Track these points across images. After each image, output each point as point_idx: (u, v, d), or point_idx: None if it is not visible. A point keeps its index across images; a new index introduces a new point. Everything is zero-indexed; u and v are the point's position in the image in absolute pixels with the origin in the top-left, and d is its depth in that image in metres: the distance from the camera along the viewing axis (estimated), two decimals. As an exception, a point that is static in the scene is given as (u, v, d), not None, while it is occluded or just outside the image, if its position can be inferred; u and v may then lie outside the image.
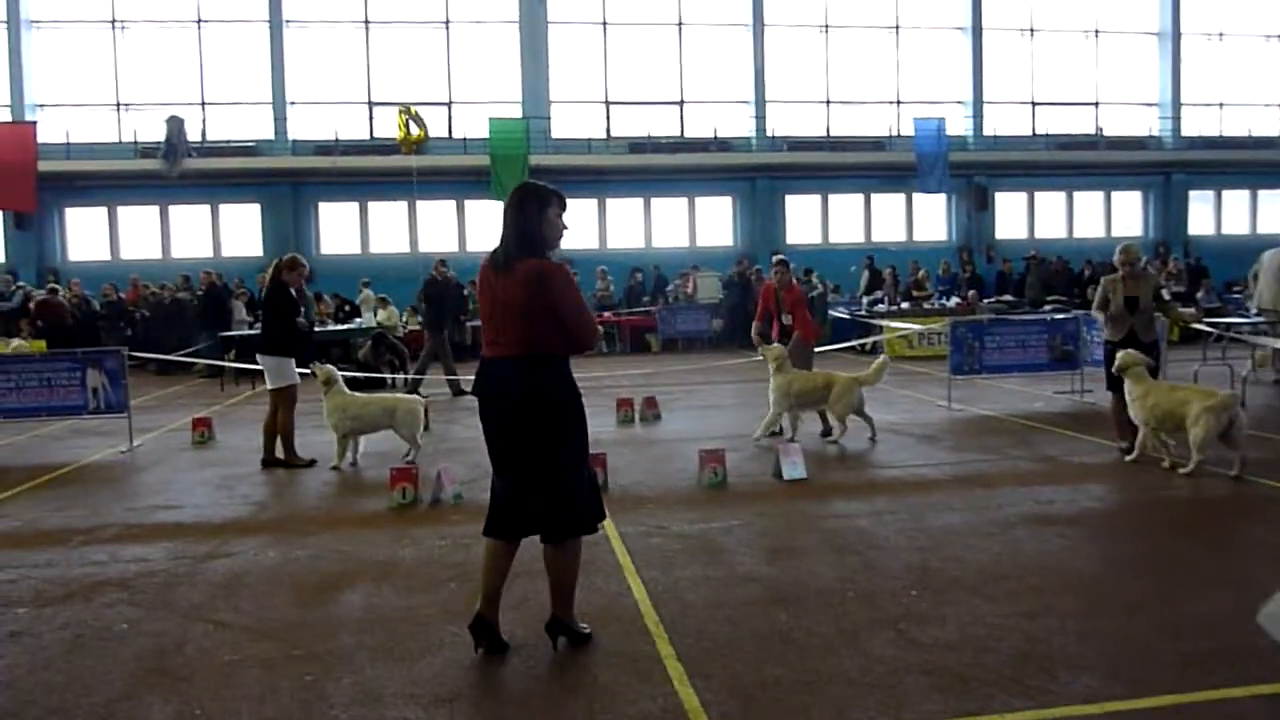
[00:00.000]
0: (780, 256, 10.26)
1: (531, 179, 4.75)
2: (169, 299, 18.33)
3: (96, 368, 9.46)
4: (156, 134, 21.25)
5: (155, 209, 22.54)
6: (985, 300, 19.84)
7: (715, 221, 24.37)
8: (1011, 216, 25.72)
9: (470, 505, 6.77)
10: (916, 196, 24.63)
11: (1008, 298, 20.20)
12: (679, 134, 23.83)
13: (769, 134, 23.75)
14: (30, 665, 4.15)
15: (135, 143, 21.75)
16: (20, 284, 19.19)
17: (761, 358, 9.29)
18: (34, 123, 20.90)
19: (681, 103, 23.98)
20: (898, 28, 24.72)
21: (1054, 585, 4.85)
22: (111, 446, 9.62)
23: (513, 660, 4.06)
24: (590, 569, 5.21)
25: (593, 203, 23.49)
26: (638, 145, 23.23)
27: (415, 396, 8.94)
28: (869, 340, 16.68)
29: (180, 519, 6.80)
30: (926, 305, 19.18)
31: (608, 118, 23.74)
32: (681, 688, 3.71)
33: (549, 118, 22.92)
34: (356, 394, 8.75)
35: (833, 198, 24.79)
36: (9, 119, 21.04)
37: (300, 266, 8.61)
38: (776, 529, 6.03)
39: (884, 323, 16.80)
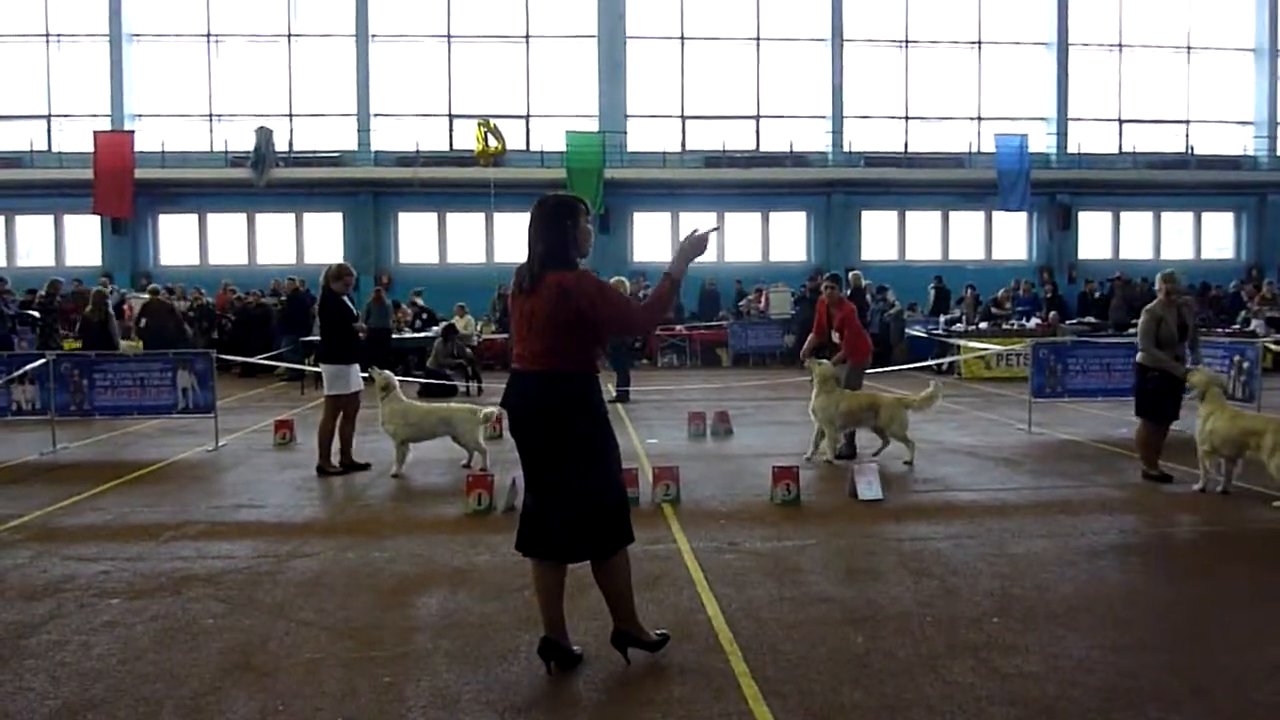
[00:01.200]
0: (831, 273, 10.18)
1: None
2: (254, 304, 18.91)
3: (187, 369, 9.81)
4: (246, 144, 21.98)
5: (243, 217, 23.30)
6: (1067, 322, 19.33)
7: (789, 236, 24.25)
8: (1095, 236, 25.04)
9: (543, 514, 6.81)
10: (996, 214, 24.14)
11: (1090, 319, 19.64)
12: (754, 148, 23.78)
13: (846, 149, 23.55)
14: (122, 655, 4.29)
15: (226, 152, 22.52)
16: (114, 287, 19.97)
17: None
18: (132, 132, 21.80)
19: (758, 117, 23.94)
20: (980, 43, 24.32)
21: (1142, 617, 4.69)
22: (199, 445, 9.94)
23: (587, 671, 4.06)
24: (663, 583, 5.22)
25: (666, 216, 23.57)
26: (713, 159, 23.25)
27: (474, 406, 9.03)
28: (945, 360, 16.38)
29: (263, 518, 6.98)
30: (1005, 326, 18.75)
31: (683, 131, 23.81)
32: (756, 706, 3.67)
33: (625, 131, 23.09)
34: (415, 401, 8.90)
35: (910, 214, 24.46)
36: (109, 128, 21.95)
37: (347, 275, 8.78)
38: (852, 550, 5.94)
39: (961, 342, 16.48)
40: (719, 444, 10.11)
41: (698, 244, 4.16)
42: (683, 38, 23.72)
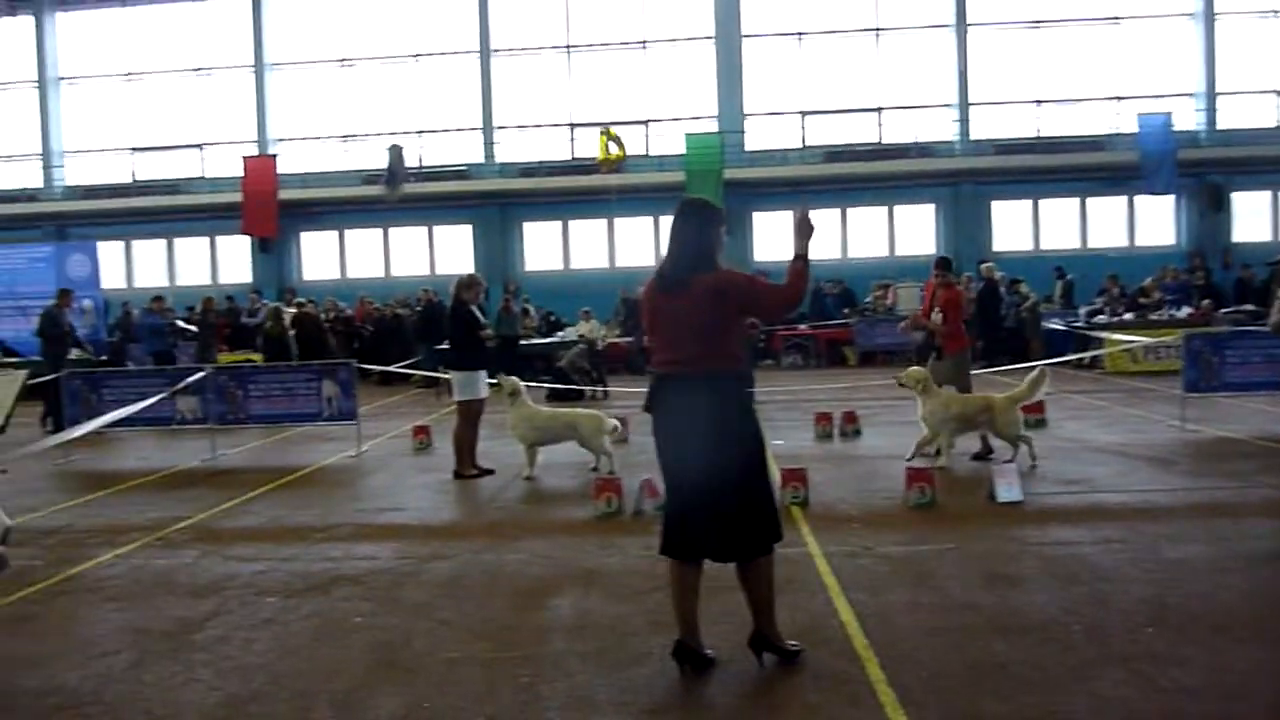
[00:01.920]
0: (940, 256, 9.77)
1: (696, 196, 4.78)
2: (390, 315, 19.70)
3: (331, 379, 10.32)
4: (379, 162, 22.94)
5: (378, 231, 24.33)
6: (1222, 310, 18.11)
7: (916, 230, 23.60)
8: (1252, 218, 23.36)
9: (672, 517, 6.85)
10: (1139, 199, 22.86)
11: (1249, 307, 18.35)
12: (877, 140, 23.27)
13: (973, 137, 22.77)
14: (280, 650, 4.55)
15: (361, 171, 23.57)
16: (264, 302, 21.16)
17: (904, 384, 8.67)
18: (275, 156, 23.09)
19: (880, 109, 23.42)
20: (1118, 19, 23.10)
21: (1317, 629, 4.36)
22: (342, 451, 10.42)
23: (720, 675, 4.06)
24: (795, 588, 5.16)
25: (788, 215, 23.26)
26: (834, 154, 22.88)
27: (597, 412, 9.14)
28: (1087, 354, 15.61)
29: (404, 520, 7.27)
30: (1153, 316, 17.74)
31: (803, 128, 23.53)
32: (894, 715, 3.59)
33: (744, 131, 22.98)
34: (541, 406, 9.07)
35: (1044, 202, 23.43)
36: (255, 153, 23.29)
37: (477, 285, 9.06)
38: (992, 555, 5.73)
39: (1105, 335, 15.68)
40: (847, 445, 9.94)
41: (804, 222, 4.19)
42: (800, 34, 23.44)
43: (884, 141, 23.22)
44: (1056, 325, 18.18)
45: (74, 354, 14.02)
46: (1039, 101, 23.19)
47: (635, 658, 4.27)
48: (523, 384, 8.94)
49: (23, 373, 5.53)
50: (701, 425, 3.89)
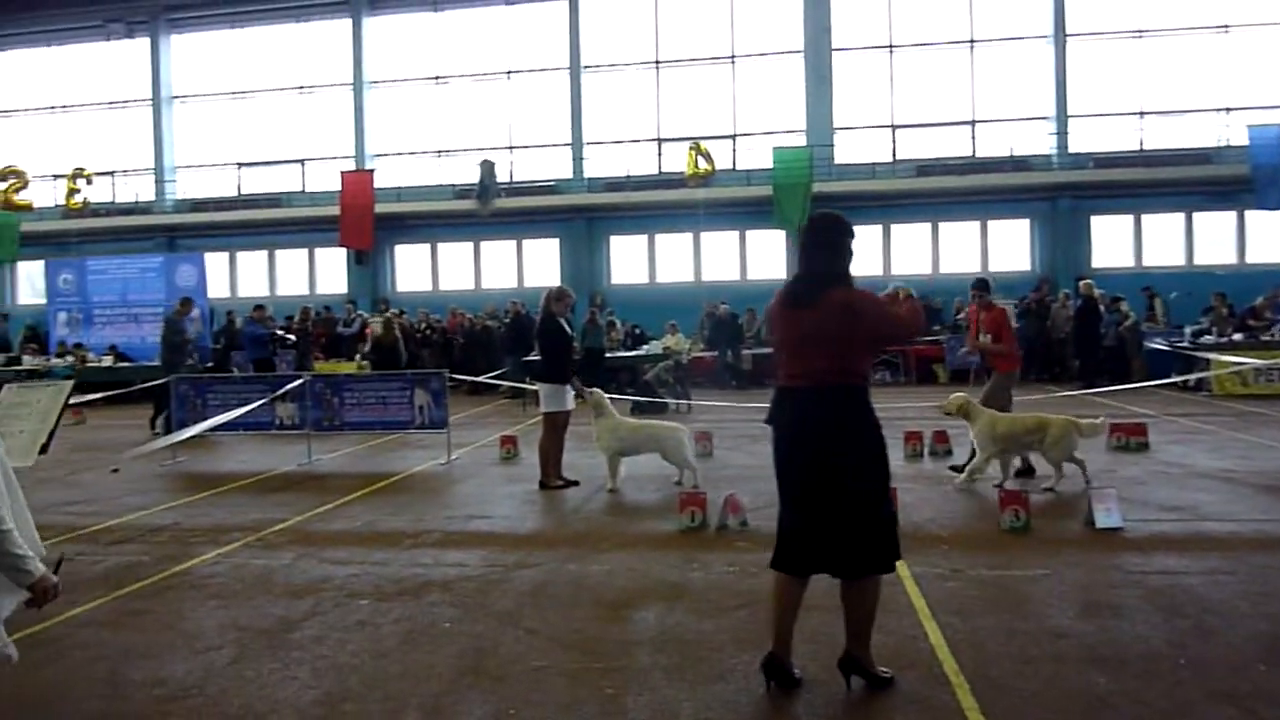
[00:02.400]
0: (979, 278, 9.57)
1: (823, 208, 4.72)
2: (480, 326, 20.08)
3: (423, 388, 10.57)
4: (471, 177, 23.44)
5: (469, 245, 24.84)
6: (1341, 332, 17.16)
7: (1010, 245, 22.99)
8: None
9: (756, 533, 6.82)
10: (1250, 214, 21.83)
11: (1371, 329, 17.36)
12: (970, 154, 22.78)
13: (1072, 150, 22.11)
14: (372, 653, 4.67)
15: (453, 185, 24.12)
16: (359, 313, 21.82)
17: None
18: (372, 171, 23.81)
19: (974, 122, 22.94)
20: (1227, 27, 22.16)
21: None
22: (433, 459, 10.65)
23: (805, 695, 4.02)
24: (883, 609, 5.03)
25: (878, 229, 22.99)
26: (926, 168, 22.49)
27: (679, 425, 9.14)
28: (1193, 376, 14.97)
29: (491, 529, 7.39)
30: (1264, 337, 16.91)
31: (894, 141, 23.20)
32: (987, 744, 3.50)
33: (833, 144, 22.76)
34: (625, 419, 9.13)
35: (1146, 218, 22.56)
36: (353, 168, 24.05)
37: (566, 297, 9.16)
38: (1090, 582, 5.53)
39: (1212, 356, 15.02)
40: (937, 465, 9.72)
41: (903, 301, 4.54)
42: (891, 46, 23.15)
43: (978, 155, 22.72)
44: (1159, 345, 17.49)
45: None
46: (1142, 113, 22.39)
47: (719, 674, 4.25)
48: (607, 397, 9.01)
49: (69, 384, 5.70)
50: (828, 438, 3.91)
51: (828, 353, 3.93)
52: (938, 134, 22.97)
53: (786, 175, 21.45)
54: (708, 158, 21.74)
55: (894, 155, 23.08)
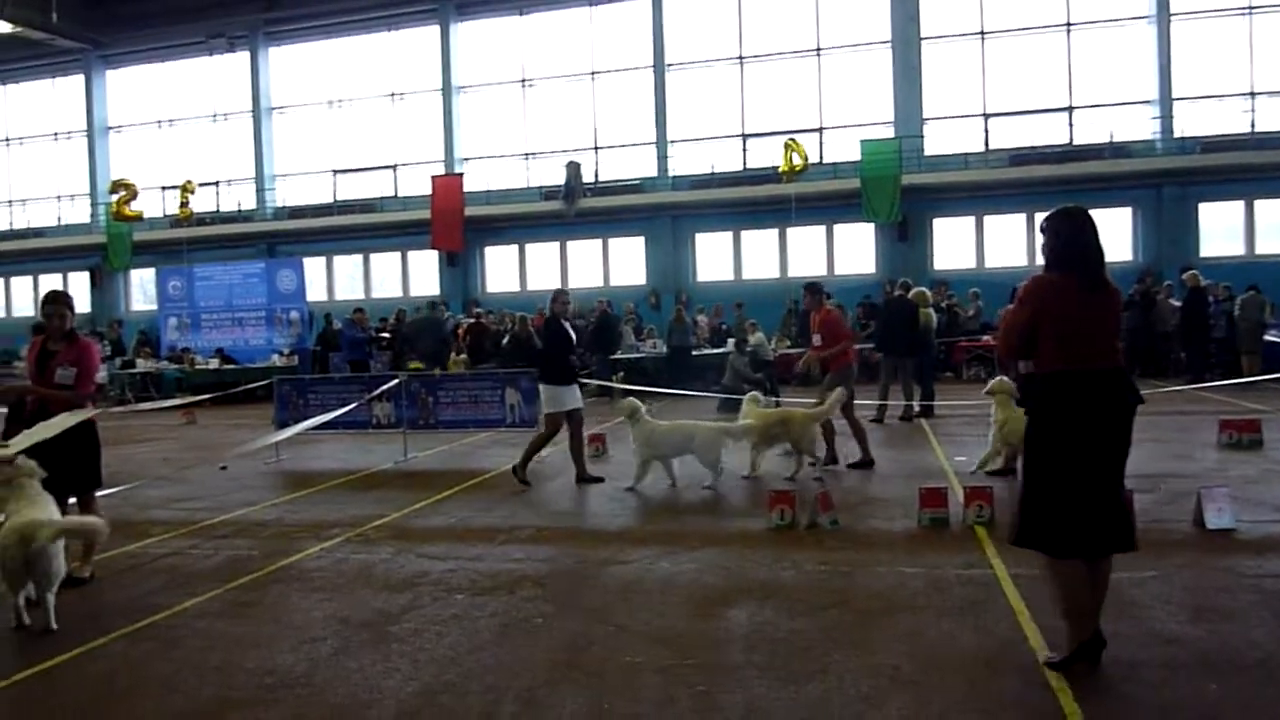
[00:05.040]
0: (809, 282, 10.17)
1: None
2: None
3: (513, 387, 10.75)
4: (557, 178, 23.72)
5: (556, 245, 25.14)
6: None
7: (1112, 235, 22.13)
8: None
9: (847, 532, 6.75)
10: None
11: None
12: (1068, 141, 22.04)
13: (1177, 135, 21.17)
14: (469, 646, 4.78)
15: (540, 187, 24.43)
16: (450, 313, 22.30)
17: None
18: (462, 175, 24.28)
19: (1071, 108, 22.17)
20: (1349, -1, 20.93)
21: None
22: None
23: (901, 695, 3.96)
24: (980, 610, 4.97)
25: (969, 221, 22.46)
26: (1020, 157, 21.84)
27: (718, 425, 9.09)
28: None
29: (582, 525, 7.48)
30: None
31: (986, 130, 22.59)
32: (1092, 750, 3.40)
33: (923, 135, 22.30)
34: (660, 421, 9.10)
35: (1260, 204, 21.46)
36: (443, 173, 24.58)
37: (562, 298, 9.38)
38: (1200, 585, 5.31)
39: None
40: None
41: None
42: (982, 33, 22.54)
43: (1075, 142, 21.96)
44: (1275, 338, 16.61)
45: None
46: (1252, 93, 21.30)
47: (812, 673, 4.22)
48: (640, 403, 9.01)
49: (87, 410, 6.22)
50: (1129, 416, 4.10)
51: (1113, 336, 4.18)
52: (1032, 122, 22.28)
53: (875, 168, 21.10)
54: (801, 152, 21.46)
55: (986, 145, 22.48)
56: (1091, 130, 21.89)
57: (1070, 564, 4.07)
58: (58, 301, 6.34)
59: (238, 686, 4.38)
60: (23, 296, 29.68)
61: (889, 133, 22.27)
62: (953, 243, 22.65)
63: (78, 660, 4.82)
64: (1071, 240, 4.20)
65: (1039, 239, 4.42)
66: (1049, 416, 4.11)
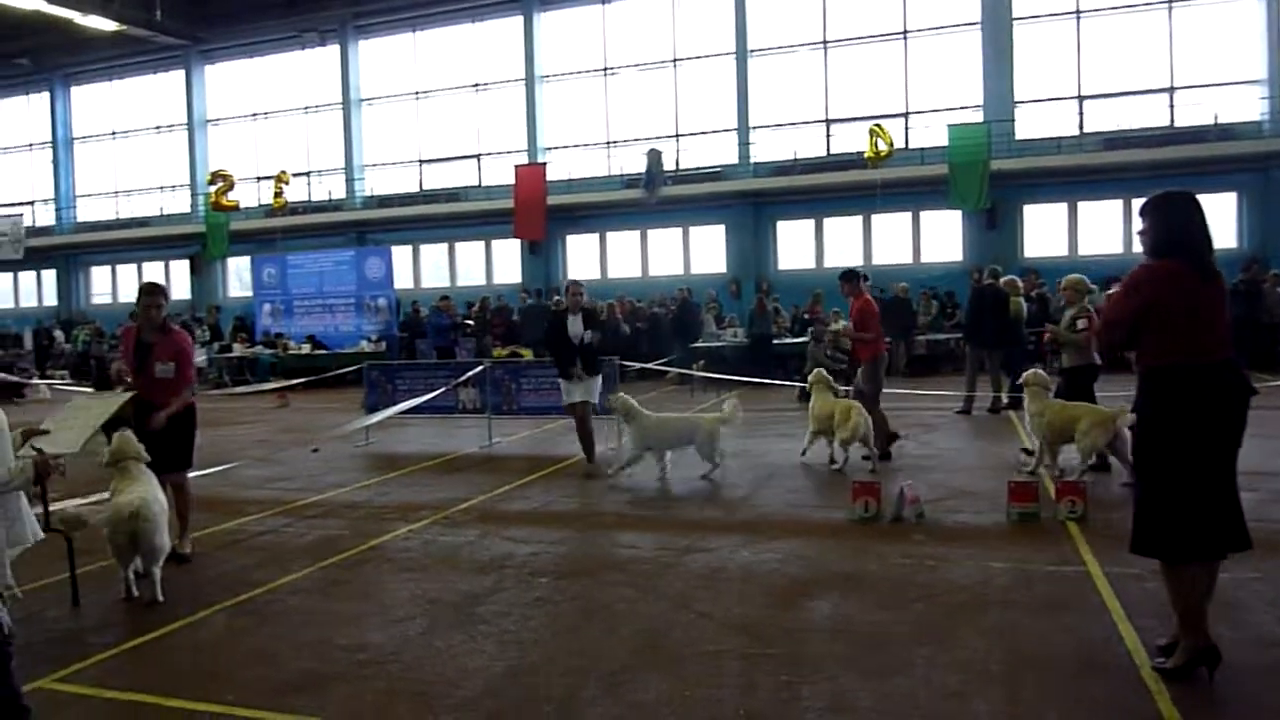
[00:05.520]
0: (846, 269, 10.05)
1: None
2: (647, 313, 20.36)
3: (593, 374, 10.81)
4: (638, 166, 23.72)
5: (636, 233, 25.20)
6: None
7: (1215, 220, 21.08)
8: None
9: (933, 526, 6.63)
10: None
11: None
12: (1167, 124, 21.13)
13: (1287, 116, 20.12)
14: (553, 630, 4.85)
15: (621, 175, 24.50)
16: (532, 302, 22.55)
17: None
18: (545, 164, 24.49)
19: (1171, 89, 21.24)
20: None
21: None
22: (603, 444, 10.82)
23: (988, 692, 3.88)
24: (1071, 609, 4.85)
25: (1061, 207, 21.73)
26: (1115, 141, 21.02)
27: (712, 416, 8.98)
28: None
29: (660, 513, 7.52)
30: None
31: (1080, 113, 21.81)
32: (1192, 756, 3.29)
33: (1013, 119, 21.65)
34: (655, 414, 9.12)
35: (1383, 187, 20.26)
36: (526, 161, 24.84)
37: (570, 288, 9.55)
38: (1310, 587, 5.08)
39: None
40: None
41: None
42: (1078, 13, 21.73)
43: (1176, 125, 21.04)
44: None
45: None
46: (1375, 71, 20.10)
47: (897, 667, 4.17)
48: (634, 400, 9.02)
49: (125, 396, 6.17)
50: (1237, 413, 3.91)
51: (1228, 327, 3.99)
52: (1130, 104, 21.42)
53: (963, 153, 20.56)
54: (888, 141, 21.04)
55: (1080, 128, 21.70)
56: (1193, 112, 20.94)
57: (1189, 567, 3.89)
58: (154, 293, 6.44)
59: (332, 661, 4.54)
60: (128, 284, 31.04)
61: (978, 117, 21.68)
62: (1044, 230, 21.94)
63: (182, 631, 5.05)
64: (1180, 226, 4.00)
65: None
66: (1168, 413, 3.89)
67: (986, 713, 3.73)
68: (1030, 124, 21.83)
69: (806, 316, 19.69)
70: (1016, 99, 21.91)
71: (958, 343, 18.35)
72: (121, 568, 5.56)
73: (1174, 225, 4.02)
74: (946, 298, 19.82)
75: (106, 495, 5.72)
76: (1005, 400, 12.69)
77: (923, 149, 21.99)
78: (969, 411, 12.53)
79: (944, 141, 20.98)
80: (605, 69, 25.33)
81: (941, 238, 22.55)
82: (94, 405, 5.98)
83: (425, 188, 26.96)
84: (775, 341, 18.16)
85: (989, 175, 20.32)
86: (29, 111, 31.85)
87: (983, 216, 21.43)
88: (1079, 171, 21.02)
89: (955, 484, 8.11)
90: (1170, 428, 3.88)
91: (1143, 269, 4.05)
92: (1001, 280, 13.37)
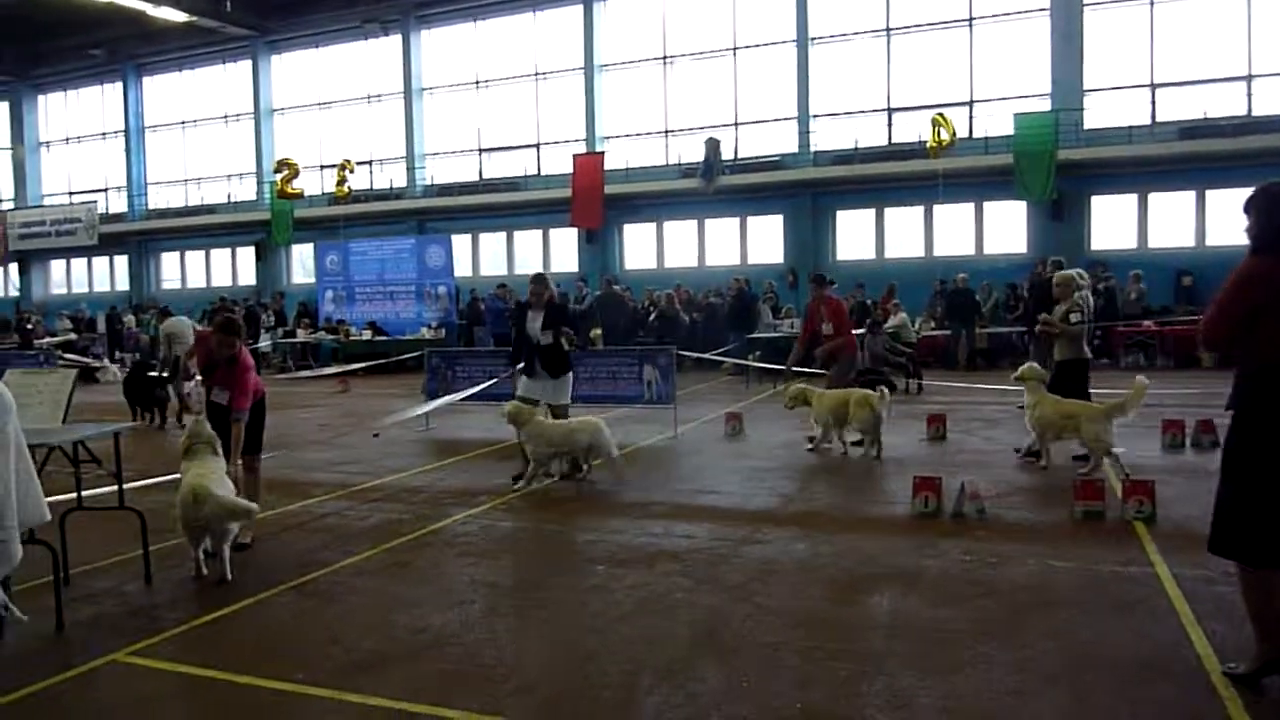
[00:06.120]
0: (819, 273, 10.75)
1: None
2: (703, 303, 20.31)
3: (651, 364, 10.85)
4: (696, 155, 23.63)
5: (693, 223, 25.12)
6: None
7: (1293, 214, 20.39)
8: None
9: (994, 522, 6.53)
10: None
11: None
12: (1245, 113, 20.41)
13: (1378, 104, 19.28)
14: (609, 617, 4.89)
15: (679, 164, 24.43)
16: (587, 290, 22.65)
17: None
18: (603, 153, 24.53)
19: (1249, 77, 20.50)
20: None
21: None
22: (660, 433, 10.93)
23: (1052, 694, 3.82)
24: (1138, 611, 4.75)
25: (1131, 198, 21.13)
26: (1191, 130, 20.35)
27: (598, 421, 8.53)
28: None
29: (718, 504, 7.51)
30: None
31: (1153, 102, 21.15)
32: (1265, 765, 3.21)
33: (1082, 108, 21.09)
34: (548, 421, 8.39)
35: None
36: (584, 151, 24.89)
37: (532, 284, 8.76)
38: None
39: None
40: (1202, 458, 8.86)
41: None
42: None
43: (1254, 114, 20.31)
44: None
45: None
46: None
47: (959, 664, 4.13)
48: (526, 406, 8.26)
49: (72, 373, 6.31)
50: None
51: None
52: (1205, 92, 20.72)
53: (1029, 143, 20.10)
54: (950, 130, 20.64)
55: (1153, 117, 21.05)
56: (1272, 101, 20.18)
57: (1270, 573, 3.77)
58: (228, 331, 6.50)
59: (396, 641, 4.63)
60: (196, 270, 31.87)
61: (1045, 105, 21.16)
62: (1113, 221, 21.37)
63: (251, 609, 5.19)
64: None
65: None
66: (1271, 414, 3.75)
67: (1049, 713, 3.67)
68: (1100, 113, 21.25)
69: (873, 307, 19.45)
70: (1086, 87, 21.34)
71: (1020, 336, 18.00)
72: (192, 547, 5.73)
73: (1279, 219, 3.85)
74: (1010, 290, 19.43)
75: (177, 475, 5.90)
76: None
77: (987, 138, 21.55)
78: (1031, 407, 12.27)
79: (1009, 131, 20.54)
80: (664, 57, 25.24)
81: (1005, 229, 22.09)
82: (39, 382, 6.16)
83: (484, 177, 27.18)
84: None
85: (1056, 165, 19.84)
86: (103, 102, 32.79)
87: (1049, 207, 20.94)
88: (1151, 162, 20.41)
89: (1018, 480, 7.98)
90: (1271, 429, 3.74)
91: (1250, 264, 3.88)
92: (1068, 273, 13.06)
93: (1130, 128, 20.75)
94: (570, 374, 8.90)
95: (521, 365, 8.80)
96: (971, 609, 4.84)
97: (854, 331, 10.56)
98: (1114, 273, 19.20)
